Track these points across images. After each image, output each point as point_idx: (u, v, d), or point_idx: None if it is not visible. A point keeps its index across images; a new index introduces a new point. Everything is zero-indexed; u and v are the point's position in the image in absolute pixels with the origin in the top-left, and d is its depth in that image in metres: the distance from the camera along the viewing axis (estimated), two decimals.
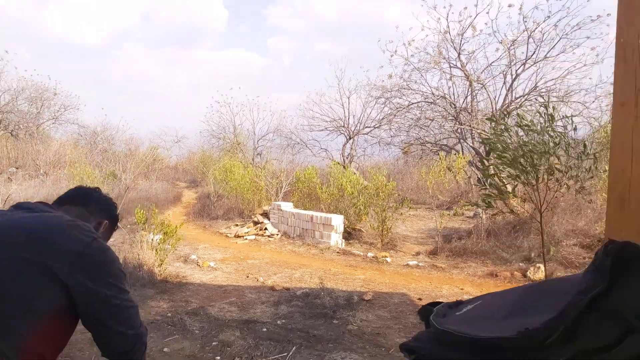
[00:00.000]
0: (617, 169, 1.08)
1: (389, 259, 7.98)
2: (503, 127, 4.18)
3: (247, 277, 7.17)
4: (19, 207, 1.16)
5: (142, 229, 7.98)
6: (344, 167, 16.13)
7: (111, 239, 6.31)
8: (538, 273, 6.59)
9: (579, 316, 0.77)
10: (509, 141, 4.20)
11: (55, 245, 1.02)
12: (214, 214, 13.01)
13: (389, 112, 17.68)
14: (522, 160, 4.08)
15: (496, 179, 4.62)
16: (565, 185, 4.40)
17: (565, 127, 4.62)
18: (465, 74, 15.04)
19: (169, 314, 5.47)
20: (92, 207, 1.37)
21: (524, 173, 4.12)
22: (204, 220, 12.59)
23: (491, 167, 4.36)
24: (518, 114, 4.47)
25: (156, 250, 7.04)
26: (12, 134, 22.02)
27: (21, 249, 0.97)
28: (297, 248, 9.27)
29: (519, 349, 0.79)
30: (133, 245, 7.87)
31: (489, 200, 4.48)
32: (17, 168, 20.61)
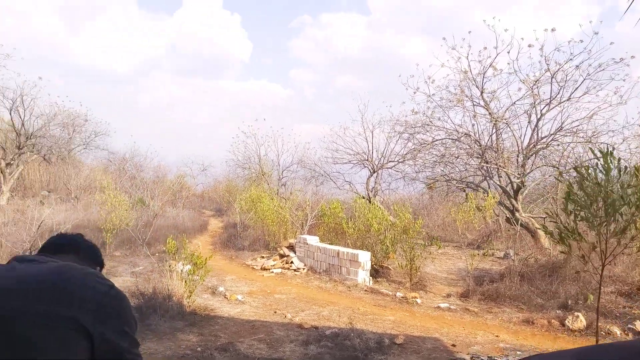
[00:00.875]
0: None
1: (419, 300, 7.81)
2: (607, 166, 4.01)
3: (275, 312, 7.10)
4: (21, 259, 1.12)
5: (172, 259, 8.03)
6: (369, 200, 16.07)
7: (140, 267, 6.40)
8: (577, 322, 6.35)
9: None
10: (601, 185, 4.04)
11: (78, 296, 0.99)
12: (240, 244, 13.03)
13: (413, 147, 17.69)
14: (603, 207, 3.95)
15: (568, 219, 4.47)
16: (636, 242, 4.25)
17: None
18: (488, 112, 15.04)
19: (199, 349, 5.43)
20: (82, 254, 1.34)
21: (600, 221, 3.99)
22: (230, 250, 12.61)
23: (569, 206, 4.22)
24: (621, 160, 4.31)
25: (185, 281, 7.05)
26: (44, 159, 22.67)
27: (46, 302, 0.95)
28: (323, 284, 9.17)
29: None
30: (162, 275, 7.90)
31: (565, 237, 4.37)
32: (49, 192, 21.16)
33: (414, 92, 15.84)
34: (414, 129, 17.30)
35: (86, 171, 22.82)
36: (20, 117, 19.74)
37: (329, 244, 10.74)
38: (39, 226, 9.73)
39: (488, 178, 16.19)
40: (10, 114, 19.53)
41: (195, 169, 31.10)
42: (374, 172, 19.48)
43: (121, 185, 19.46)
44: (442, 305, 7.57)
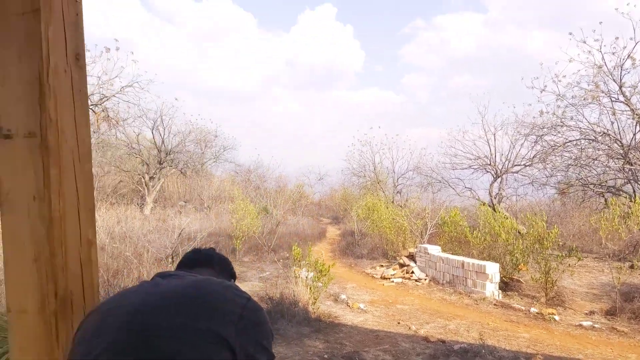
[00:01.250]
0: None
1: (556, 317, 7.14)
2: None
3: (398, 323, 6.98)
4: (163, 275, 1.14)
5: (295, 265, 8.33)
6: (493, 208, 15.19)
7: (267, 272, 6.69)
8: None
9: None
10: None
11: (220, 310, 0.98)
12: (359, 252, 13.11)
13: (542, 149, 16.39)
14: None
15: None
16: None
17: None
18: (630, 108, 13.39)
19: (326, 356, 5.53)
20: (216, 267, 1.36)
21: None
22: (349, 258, 12.74)
23: None
24: None
25: (310, 288, 7.25)
26: (181, 172, 25.02)
27: (187, 316, 0.94)
28: (447, 296, 8.83)
29: None
30: (288, 281, 8.23)
31: None
32: (185, 202, 23.35)
33: (541, 92, 14.77)
34: (542, 130, 16.09)
35: (216, 183, 24.80)
36: (161, 135, 22.10)
37: (452, 254, 10.32)
38: (180, 234, 10.74)
39: (632, 181, 14.43)
40: (152, 132, 21.97)
41: (312, 178, 32.21)
42: (498, 177, 18.40)
43: (247, 195, 20.79)
44: (584, 323, 6.84)
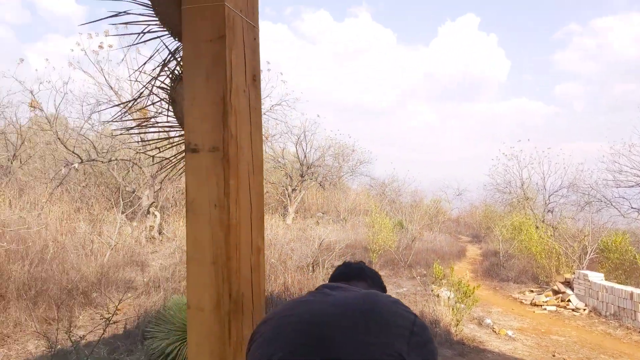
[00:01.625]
0: None
1: None
2: None
3: (554, 356, 6.31)
4: (330, 287, 1.13)
5: (435, 284, 8.04)
6: None
7: (404, 289, 6.54)
8: None
9: None
10: None
11: (391, 323, 0.95)
12: (504, 275, 12.20)
13: None
14: None
15: None
16: None
17: None
18: None
19: None
20: (369, 281, 1.35)
21: None
22: (493, 280, 11.92)
23: None
24: None
25: (452, 308, 6.93)
26: (320, 185, 26.00)
27: (366, 330, 0.93)
28: (612, 330, 7.74)
29: None
30: (427, 300, 7.99)
31: None
32: (323, 213, 24.19)
33: None
34: None
35: (352, 195, 25.26)
36: (303, 150, 23.28)
37: (617, 282, 9.06)
38: (320, 244, 11.12)
39: None
40: (296, 147, 23.26)
41: (450, 193, 31.01)
42: None
43: (382, 209, 20.80)
44: None
